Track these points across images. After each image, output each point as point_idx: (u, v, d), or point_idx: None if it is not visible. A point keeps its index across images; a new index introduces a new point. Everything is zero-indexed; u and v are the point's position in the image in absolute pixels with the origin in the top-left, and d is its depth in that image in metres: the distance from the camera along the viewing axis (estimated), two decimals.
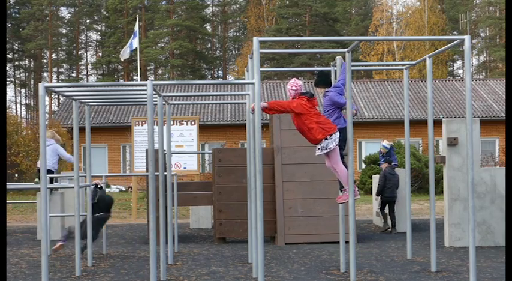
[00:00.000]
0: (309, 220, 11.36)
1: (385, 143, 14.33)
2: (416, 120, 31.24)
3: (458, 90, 35.83)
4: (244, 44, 56.18)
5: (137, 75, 46.20)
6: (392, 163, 13.54)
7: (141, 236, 13.06)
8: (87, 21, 65.68)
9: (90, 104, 9.56)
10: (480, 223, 10.68)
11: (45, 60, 63.07)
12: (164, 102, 9.42)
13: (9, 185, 11.45)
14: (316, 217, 11.35)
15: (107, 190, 27.76)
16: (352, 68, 8.61)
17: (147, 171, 12.24)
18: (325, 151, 7.41)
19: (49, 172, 11.77)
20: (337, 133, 7.43)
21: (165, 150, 9.43)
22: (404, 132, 9.67)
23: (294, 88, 7.45)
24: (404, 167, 12.05)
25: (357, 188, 7.86)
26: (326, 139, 7.35)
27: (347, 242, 8.09)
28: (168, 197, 9.80)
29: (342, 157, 7.86)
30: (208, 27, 65.88)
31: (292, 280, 7.99)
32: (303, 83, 37.86)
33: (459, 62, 62.27)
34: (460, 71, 63.25)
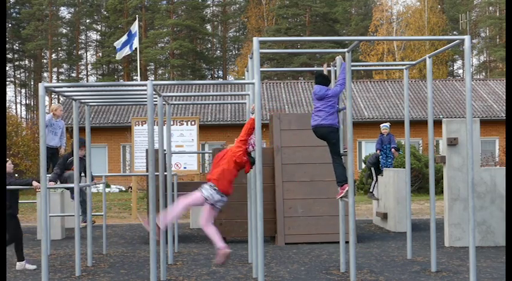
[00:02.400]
0: (309, 220, 11.36)
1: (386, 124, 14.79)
2: (416, 120, 31.23)
3: (458, 90, 35.82)
4: (244, 44, 56.18)
5: (137, 75, 46.18)
6: (392, 145, 14.11)
7: (141, 236, 13.06)
8: (87, 21, 65.67)
9: (90, 104, 9.57)
10: (480, 223, 10.68)
11: (45, 60, 63.06)
12: (164, 102, 9.42)
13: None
14: (316, 217, 11.35)
15: (107, 189, 27.77)
16: (352, 68, 8.61)
17: (147, 171, 12.23)
18: (206, 197, 7.27)
19: (54, 149, 11.79)
20: (223, 199, 7.30)
21: (165, 150, 9.43)
22: (404, 132, 9.67)
23: (250, 148, 7.44)
24: (404, 167, 12.06)
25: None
26: (214, 189, 7.24)
27: (347, 242, 8.09)
28: (168, 197, 9.80)
29: (340, 155, 7.84)
30: (208, 27, 65.88)
31: (292, 280, 7.99)
32: (304, 83, 37.88)
33: (459, 62, 62.26)
34: (460, 71, 63.25)
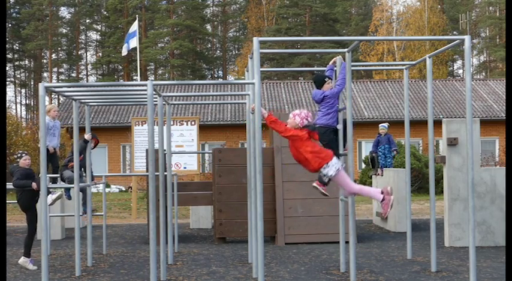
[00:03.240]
0: (309, 220, 11.36)
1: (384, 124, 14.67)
2: (416, 120, 31.23)
3: (458, 90, 35.82)
4: (244, 44, 56.18)
5: (137, 75, 46.17)
6: (393, 148, 13.98)
7: (141, 236, 13.06)
8: (87, 21, 65.68)
9: (90, 104, 9.57)
10: (480, 223, 10.68)
11: (45, 60, 63.07)
12: (164, 102, 9.42)
13: (9, 185, 11.44)
14: (316, 217, 11.35)
15: (107, 190, 27.77)
16: (352, 68, 8.61)
17: (147, 171, 12.23)
18: (326, 179, 7.15)
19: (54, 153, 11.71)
20: (334, 159, 7.19)
21: (165, 150, 9.43)
22: (404, 132, 9.67)
23: (309, 119, 7.25)
24: (404, 167, 12.07)
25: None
26: (324, 168, 7.09)
27: (347, 242, 8.09)
28: (168, 197, 9.80)
29: (338, 156, 7.81)
30: (208, 27, 65.89)
31: (292, 280, 7.99)
32: (304, 83, 37.88)
33: (459, 62, 62.28)
34: (460, 71, 63.26)
